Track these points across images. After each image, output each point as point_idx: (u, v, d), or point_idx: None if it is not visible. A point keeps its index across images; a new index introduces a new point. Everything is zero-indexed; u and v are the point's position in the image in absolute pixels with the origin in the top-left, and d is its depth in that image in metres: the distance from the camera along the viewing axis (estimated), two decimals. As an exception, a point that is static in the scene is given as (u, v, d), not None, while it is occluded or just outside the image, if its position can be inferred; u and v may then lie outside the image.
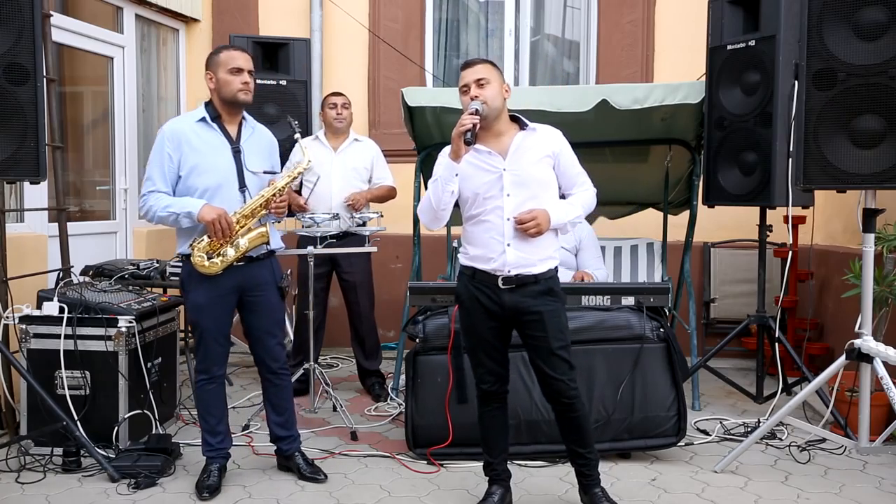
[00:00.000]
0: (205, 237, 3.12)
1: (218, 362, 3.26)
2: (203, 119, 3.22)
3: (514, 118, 2.94)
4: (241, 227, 3.15)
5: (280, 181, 3.23)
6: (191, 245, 3.13)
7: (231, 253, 3.13)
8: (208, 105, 3.25)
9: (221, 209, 3.09)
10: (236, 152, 3.21)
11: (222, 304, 3.21)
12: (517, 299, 2.84)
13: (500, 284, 2.84)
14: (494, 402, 2.98)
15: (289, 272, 3.89)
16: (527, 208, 2.81)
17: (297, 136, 3.51)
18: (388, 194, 4.69)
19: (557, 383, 2.85)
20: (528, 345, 2.93)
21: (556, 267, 2.93)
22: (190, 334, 4.89)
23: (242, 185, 3.20)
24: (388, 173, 4.72)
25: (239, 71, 3.17)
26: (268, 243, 3.22)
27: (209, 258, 3.11)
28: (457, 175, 2.83)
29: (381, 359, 4.83)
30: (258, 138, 3.32)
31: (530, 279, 2.84)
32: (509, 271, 2.82)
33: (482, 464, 3.08)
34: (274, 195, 3.19)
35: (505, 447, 3.04)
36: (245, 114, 3.30)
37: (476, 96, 2.80)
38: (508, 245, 2.82)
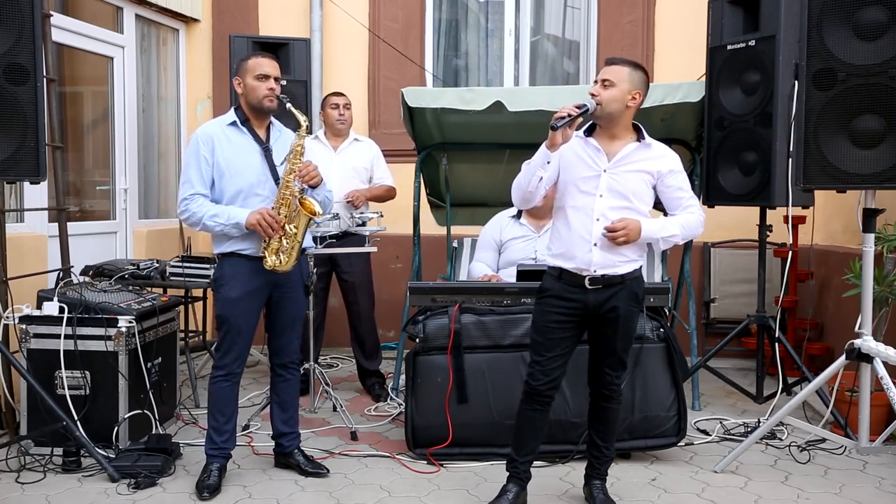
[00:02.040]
0: (267, 242, 3.16)
1: (239, 359, 3.28)
2: (233, 123, 3.26)
3: (636, 128, 2.95)
4: (285, 216, 3.17)
5: (290, 158, 3.19)
6: (262, 254, 3.17)
7: (287, 245, 3.17)
8: (238, 109, 3.30)
9: (262, 209, 3.14)
10: (266, 151, 3.25)
11: (253, 300, 3.25)
12: (602, 299, 2.87)
13: (587, 285, 2.86)
14: (537, 402, 2.96)
15: (314, 271, 3.90)
16: (616, 215, 2.83)
17: (289, 104, 3.33)
18: (387, 194, 4.70)
19: (605, 376, 2.97)
20: (592, 338, 2.99)
21: (641, 267, 2.97)
22: (191, 334, 4.91)
23: (277, 182, 3.23)
24: (387, 173, 4.73)
25: (265, 77, 3.20)
26: (315, 213, 3.18)
27: (277, 257, 3.17)
28: (548, 163, 2.84)
29: (381, 359, 4.83)
30: (285, 141, 3.35)
31: (616, 279, 2.87)
32: (595, 271, 2.85)
33: (506, 459, 3.07)
34: (293, 169, 3.17)
35: (534, 449, 3.03)
36: (273, 118, 3.34)
37: (594, 94, 2.82)
38: (595, 245, 2.84)
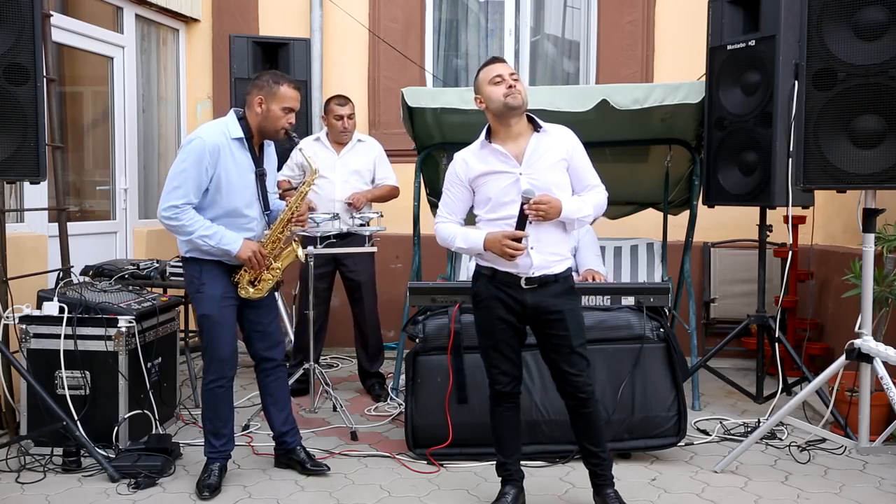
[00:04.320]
0: (242, 271, 3.22)
1: (231, 362, 3.28)
2: (240, 139, 3.19)
3: (528, 118, 2.94)
4: (272, 252, 3.25)
5: (293, 200, 3.28)
6: (234, 281, 3.23)
7: (269, 277, 3.26)
8: (242, 120, 3.21)
9: (255, 245, 3.19)
10: (260, 176, 3.25)
11: (233, 300, 3.26)
12: (539, 299, 2.86)
13: (523, 284, 2.85)
14: (507, 402, 2.97)
15: (312, 273, 3.96)
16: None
17: (300, 146, 3.47)
18: (391, 194, 4.70)
19: (575, 379, 2.90)
20: (547, 343, 2.93)
21: (571, 266, 2.97)
22: (191, 334, 4.90)
23: (266, 209, 3.28)
24: (390, 173, 4.72)
25: (290, 111, 3.20)
26: (298, 257, 3.32)
27: (253, 286, 3.24)
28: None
29: (384, 360, 4.83)
30: (269, 157, 3.36)
31: (551, 278, 2.87)
32: (533, 273, 2.84)
33: (495, 464, 3.07)
34: (292, 213, 3.26)
35: (518, 447, 3.03)
36: None
37: (513, 86, 2.80)
38: (532, 248, 2.83)
